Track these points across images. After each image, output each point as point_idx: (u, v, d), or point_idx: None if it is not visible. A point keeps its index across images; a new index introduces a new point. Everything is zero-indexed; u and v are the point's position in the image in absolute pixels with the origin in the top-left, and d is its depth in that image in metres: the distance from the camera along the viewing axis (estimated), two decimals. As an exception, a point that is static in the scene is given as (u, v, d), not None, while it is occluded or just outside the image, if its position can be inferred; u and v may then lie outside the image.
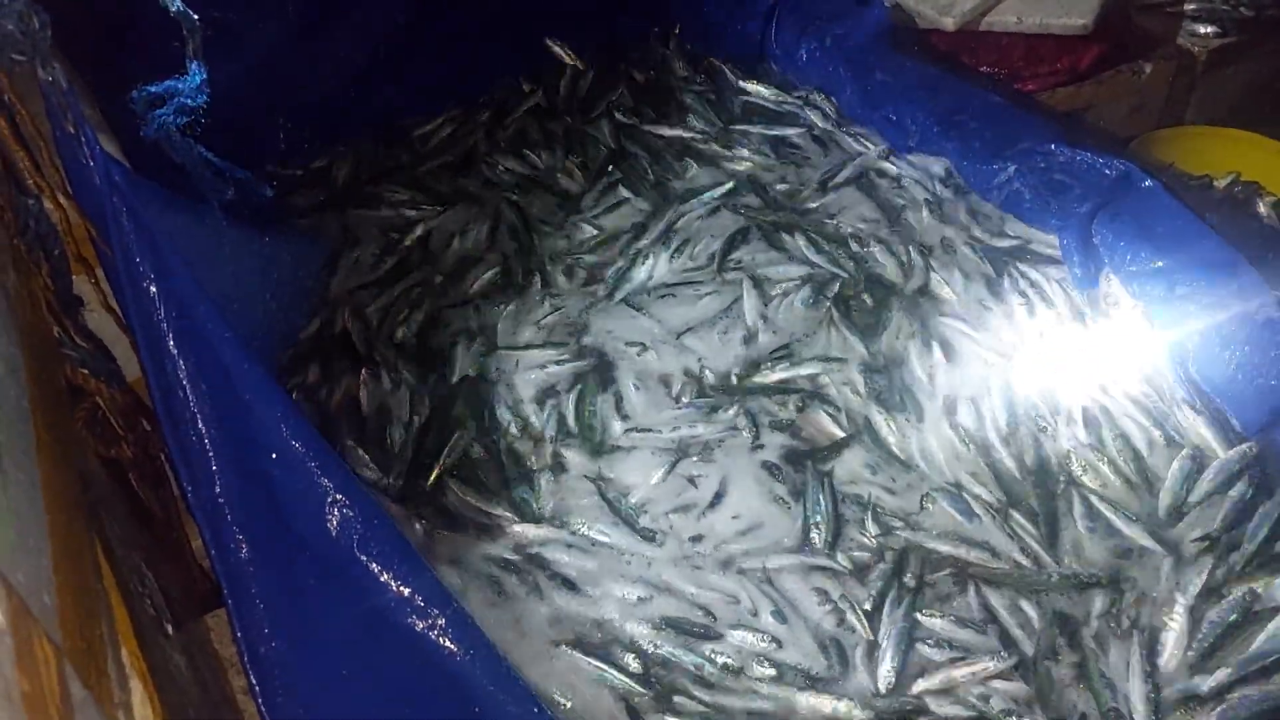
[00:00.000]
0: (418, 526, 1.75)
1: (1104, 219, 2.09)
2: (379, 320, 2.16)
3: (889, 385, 1.98)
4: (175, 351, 1.41)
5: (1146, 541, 1.73)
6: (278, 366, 2.03)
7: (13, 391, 1.24)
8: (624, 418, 1.94)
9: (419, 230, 2.38)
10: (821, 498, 1.78)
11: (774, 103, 2.74)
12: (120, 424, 1.65)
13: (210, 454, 1.39)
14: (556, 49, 2.84)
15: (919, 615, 1.64)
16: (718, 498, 1.81)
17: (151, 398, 1.44)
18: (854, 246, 2.28)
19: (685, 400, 1.97)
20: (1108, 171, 2.14)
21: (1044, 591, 1.68)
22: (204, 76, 1.63)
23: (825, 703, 1.55)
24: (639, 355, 2.06)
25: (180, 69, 1.63)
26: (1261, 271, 1.87)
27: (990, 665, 1.57)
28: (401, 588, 1.33)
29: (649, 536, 1.76)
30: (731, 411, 1.93)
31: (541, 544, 1.73)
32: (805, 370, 2.01)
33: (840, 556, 1.72)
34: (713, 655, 1.60)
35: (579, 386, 1.98)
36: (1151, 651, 1.60)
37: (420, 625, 1.32)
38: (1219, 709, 1.52)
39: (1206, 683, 1.55)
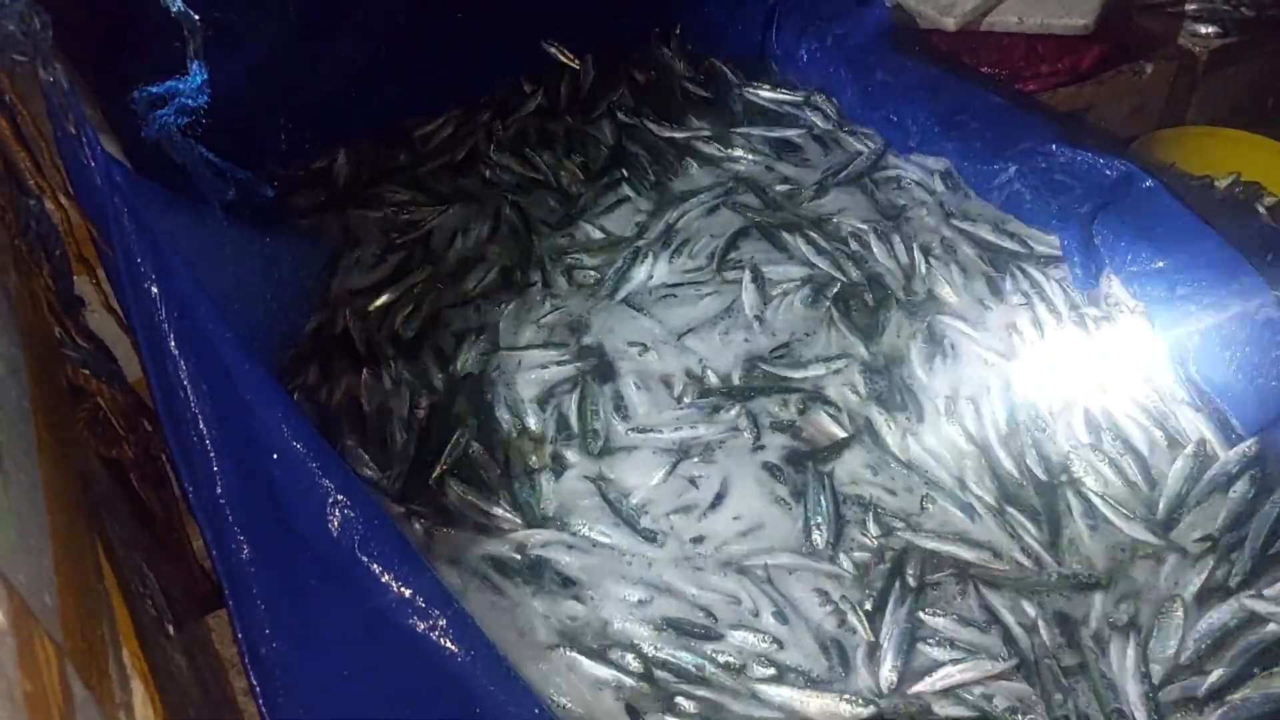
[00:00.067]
0: (418, 526, 1.76)
1: (1105, 219, 2.09)
2: (380, 320, 2.17)
3: (889, 385, 1.98)
4: (176, 352, 1.41)
5: (1147, 541, 1.73)
6: (278, 367, 2.03)
7: (14, 392, 1.24)
8: (625, 418, 1.94)
9: (420, 230, 2.38)
10: (822, 498, 1.78)
11: (774, 103, 2.75)
12: (121, 424, 1.65)
13: (211, 454, 1.39)
14: (553, 52, 2.83)
15: (921, 613, 1.64)
16: (719, 498, 1.81)
17: (153, 398, 1.44)
18: (854, 246, 2.28)
19: (686, 401, 1.97)
20: (1109, 172, 2.14)
21: (1045, 592, 1.68)
22: (205, 77, 1.63)
23: (826, 703, 1.55)
24: (640, 355, 2.06)
25: (181, 69, 1.63)
26: (1262, 271, 1.87)
27: (991, 665, 1.57)
28: (402, 588, 1.34)
29: (650, 537, 1.76)
30: (733, 412, 1.93)
31: (542, 545, 1.73)
32: (805, 371, 2.01)
33: (841, 557, 1.72)
34: (714, 655, 1.60)
35: (580, 387, 1.98)
36: (1151, 652, 1.60)
37: (421, 626, 1.33)
38: (1219, 710, 1.52)
39: (1206, 683, 1.55)
